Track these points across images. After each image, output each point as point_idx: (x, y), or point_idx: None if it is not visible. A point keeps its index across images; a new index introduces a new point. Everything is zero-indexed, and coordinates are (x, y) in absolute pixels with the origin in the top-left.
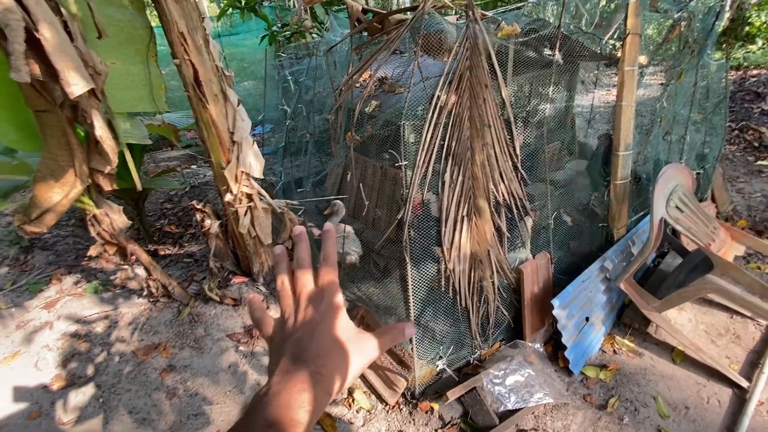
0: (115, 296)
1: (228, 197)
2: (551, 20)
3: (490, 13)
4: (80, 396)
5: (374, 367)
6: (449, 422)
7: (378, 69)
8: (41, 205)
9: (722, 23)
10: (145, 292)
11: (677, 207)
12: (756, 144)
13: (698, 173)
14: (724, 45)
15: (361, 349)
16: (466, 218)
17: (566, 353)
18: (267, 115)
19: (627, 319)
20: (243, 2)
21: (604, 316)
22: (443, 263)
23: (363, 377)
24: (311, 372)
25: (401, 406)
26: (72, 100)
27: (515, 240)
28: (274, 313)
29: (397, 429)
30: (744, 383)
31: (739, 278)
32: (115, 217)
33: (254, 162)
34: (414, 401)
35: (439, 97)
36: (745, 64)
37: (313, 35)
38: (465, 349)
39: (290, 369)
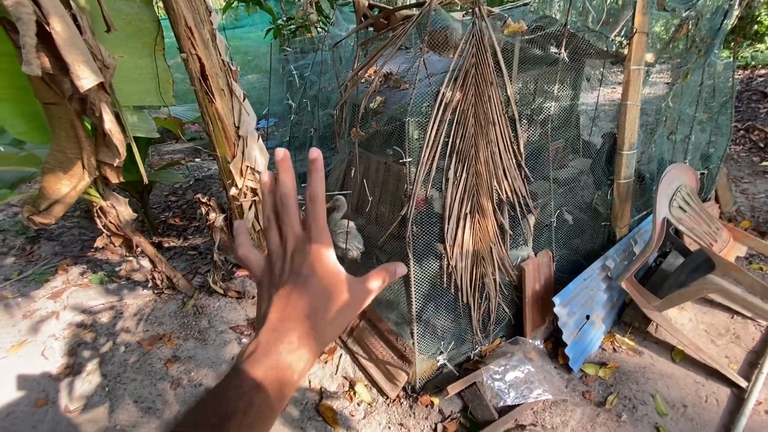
0: (120, 287)
1: (233, 191)
2: (558, 17)
3: (496, 10)
4: (86, 385)
5: (375, 360)
6: (449, 416)
7: (384, 65)
8: (50, 196)
9: (731, 22)
10: (150, 284)
11: (680, 207)
12: (762, 144)
13: (702, 173)
14: (732, 44)
15: (352, 297)
16: (469, 215)
17: (566, 350)
18: (271, 109)
19: (627, 318)
20: None
21: (604, 315)
22: (446, 260)
23: (364, 370)
24: (300, 328)
25: (402, 400)
26: (81, 93)
27: (517, 237)
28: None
29: (397, 422)
30: (743, 383)
31: (740, 279)
32: (121, 209)
33: (259, 156)
34: (414, 395)
35: (444, 94)
36: (753, 63)
37: (319, 30)
38: (466, 345)
39: (278, 325)
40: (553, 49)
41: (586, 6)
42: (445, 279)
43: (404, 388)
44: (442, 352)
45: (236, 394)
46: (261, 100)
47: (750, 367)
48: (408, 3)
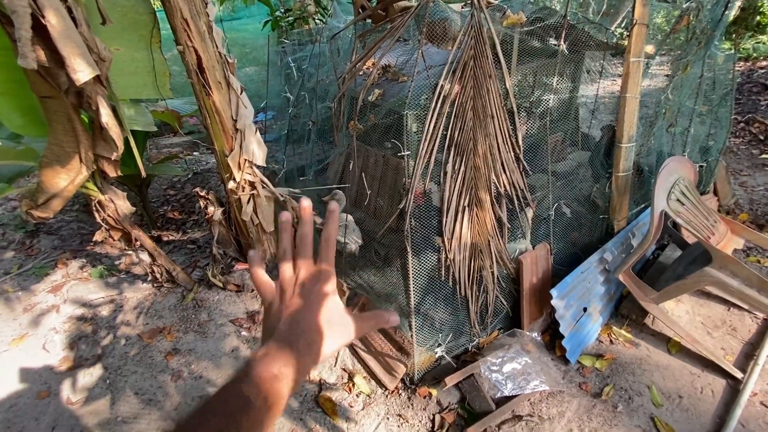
0: (120, 281)
1: (231, 185)
2: (557, 8)
3: (495, 1)
4: (87, 377)
5: (374, 352)
6: (447, 407)
7: (382, 57)
8: (48, 190)
9: (732, 12)
10: (149, 278)
11: (678, 200)
12: (761, 137)
13: (701, 166)
14: (734, 35)
15: (342, 330)
16: (467, 208)
17: (563, 342)
18: (269, 102)
19: (624, 310)
20: None
21: (602, 307)
22: (443, 253)
23: (363, 362)
24: (295, 351)
25: (400, 391)
26: (77, 87)
27: (515, 230)
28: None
29: (395, 413)
30: (738, 374)
31: (737, 271)
32: (119, 203)
33: (257, 150)
34: (413, 387)
35: (442, 87)
36: (755, 55)
37: (316, 21)
38: (463, 337)
39: (288, 336)
40: (552, 41)
41: None
42: (443, 272)
43: (403, 380)
44: (440, 344)
45: (234, 405)
46: (259, 92)
47: (746, 359)
48: None
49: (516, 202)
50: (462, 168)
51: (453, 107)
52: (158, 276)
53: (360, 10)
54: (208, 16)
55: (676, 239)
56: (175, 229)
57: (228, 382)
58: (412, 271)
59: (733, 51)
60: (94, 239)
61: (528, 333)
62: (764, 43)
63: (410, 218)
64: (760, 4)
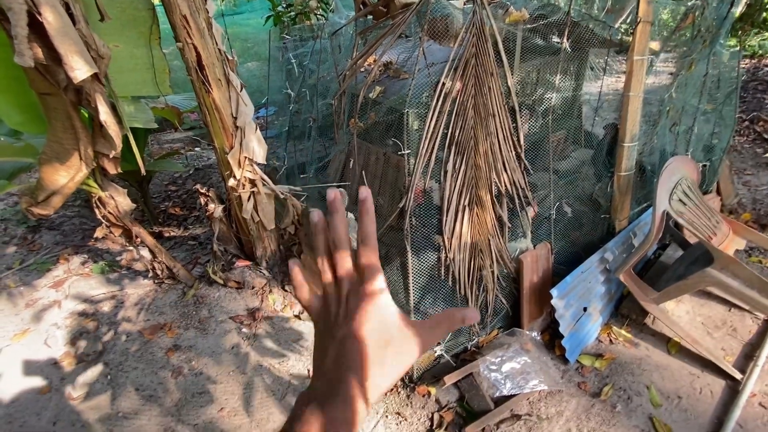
0: (121, 277)
1: (231, 182)
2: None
3: None
4: (89, 373)
5: None
6: (446, 406)
7: (383, 54)
8: (47, 187)
9: (739, 9)
10: (150, 274)
11: (680, 200)
12: (766, 136)
13: (704, 165)
14: (740, 32)
15: (409, 343)
16: (467, 207)
17: (563, 342)
18: (271, 98)
19: (625, 310)
20: None
21: (602, 307)
22: (444, 252)
23: None
24: (354, 379)
25: (399, 390)
26: (76, 84)
27: (516, 230)
28: (276, 294)
29: (394, 411)
30: (737, 375)
31: (738, 272)
32: (120, 200)
33: (257, 147)
34: (412, 385)
35: (444, 84)
36: (760, 52)
37: (318, 16)
38: (463, 336)
39: (334, 375)
40: (555, 39)
41: None
42: (442, 271)
43: (402, 378)
44: (439, 343)
45: None
46: (261, 88)
47: (745, 360)
48: None
49: (517, 201)
50: (463, 167)
51: (454, 105)
52: (159, 272)
53: (361, 6)
54: (208, 12)
55: (677, 239)
56: (176, 225)
57: (285, 428)
58: (412, 270)
59: (738, 48)
60: (95, 236)
61: (527, 332)
62: None
63: (410, 217)
64: (766, 1)
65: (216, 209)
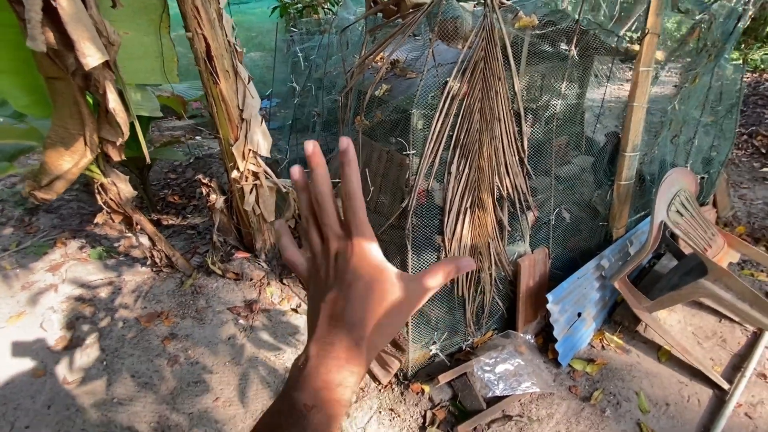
0: (119, 263)
1: (234, 174)
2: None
3: (508, 2)
4: (84, 358)
5: None
6: (438, 404)
7: (392, 53)
8: (51, 172)
9: (745, 23)
10: (148, 262)
11: (678, 211)
12: (763, 150)
13: (703, 177)
14: (743, 45)
15: (403, 298)
16: (469, 210)
17: (556, 346)
18: (275, 90)
19: (618, 317)
20: None
21: (596, 313)
22: (443, 252)
23: None
24: (347, 340)
25: (393, 386)
26: (85, 70)
27: (515, 233)
28: (274, 287)
29: (388, 407)
30: (725, 385)
31: (731, 285)
32: (122, 187)
33: (262, 140)
34: (406, 382)
35: (451, 86)
36: (762, 66)
37: (326, 10)
38: (458, 336)
39: (325, 338)
40: (563, 46)
41: (598, 0)
42: None
43: (396, 375)
44: (435, 342)
45: (289, 422)
46: (264, 79)
47: (733, 370)
48: None
49: (518, 205)
50: (466, 169)
51: (460, 107)
52: (157, 260)
53: (372, 3)
54: (219, 3)
55: (672, 249)
56: (175, 213)
57: (281, 394)
58: (412, 269)
59: (741, 62)
60: (94, 221)
61: (522, 335)
62: None
63: (412, 216)
64: None
65: (217, 200)
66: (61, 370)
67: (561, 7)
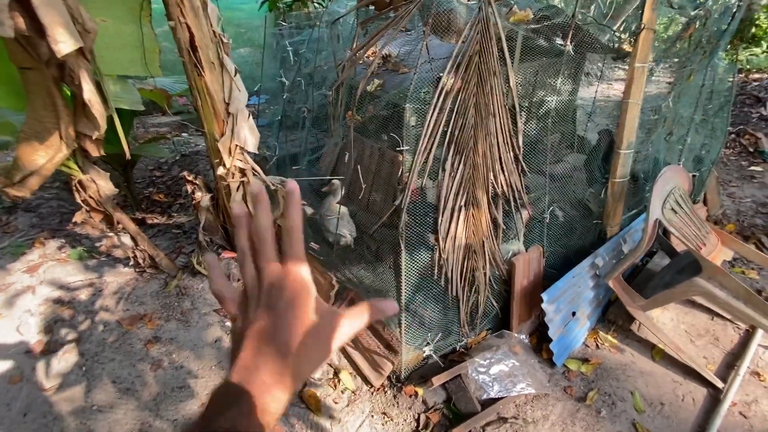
0: (100, 264)
1: (220, 171)
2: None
3: None
4: (63, 363)
5: (361, 349)
6: (432, 407)
7: (384, 47)
8: (25, 168)
9: (741, 16)
10: (131, 262)
11: (672, 209)
12: (751, 149)
13: (694, 175)
14: (729, 46)
15: (330, 331)
16: (463, 208)
17: (551, 346)
18: (264, 86)
19: (612, 316)
20: None
21: (590, 312)
22: (437, 251)
23: (349, 358)
24: (272, 366)
25: (386, 389)
26: (59, 59)
27: (509, 232)
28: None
29: (380, 411)
30: (719, 384)
31: (725, 283)
32: (101, 184)
33: (249, 136)
34: (399, 385)
35: (445, 81)
36: (748, 67)
37: (316, 4)
38: (452, 337)
39: (249, 364)
40: (558, 41)
41: None
42: (435, 270)
43: (389, 378)
44: (428, 343)
45: None
46: (252, 75)
47: (727, 369)
48: None
49: (512, 203)
50: (461, 167)
51: (455, 103)
52: (140, 261)
53: None
54: None
55: (665, 247)
56: (159, 212)
57: (199, 421)
58: (404, 268)
59: (731, 62)
60: (74, 220)
61: (516, 335)
62: (758, 56)
63: (405, 214)
64: (756, 17)
65: (203, 198)
66: (39, 375)
67: (553, 2)
